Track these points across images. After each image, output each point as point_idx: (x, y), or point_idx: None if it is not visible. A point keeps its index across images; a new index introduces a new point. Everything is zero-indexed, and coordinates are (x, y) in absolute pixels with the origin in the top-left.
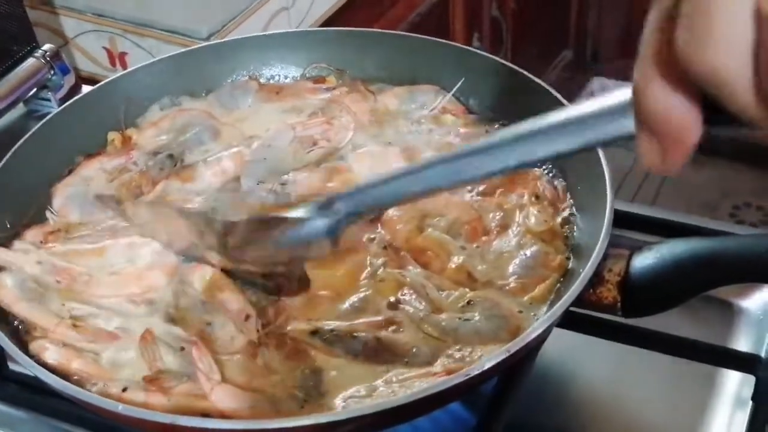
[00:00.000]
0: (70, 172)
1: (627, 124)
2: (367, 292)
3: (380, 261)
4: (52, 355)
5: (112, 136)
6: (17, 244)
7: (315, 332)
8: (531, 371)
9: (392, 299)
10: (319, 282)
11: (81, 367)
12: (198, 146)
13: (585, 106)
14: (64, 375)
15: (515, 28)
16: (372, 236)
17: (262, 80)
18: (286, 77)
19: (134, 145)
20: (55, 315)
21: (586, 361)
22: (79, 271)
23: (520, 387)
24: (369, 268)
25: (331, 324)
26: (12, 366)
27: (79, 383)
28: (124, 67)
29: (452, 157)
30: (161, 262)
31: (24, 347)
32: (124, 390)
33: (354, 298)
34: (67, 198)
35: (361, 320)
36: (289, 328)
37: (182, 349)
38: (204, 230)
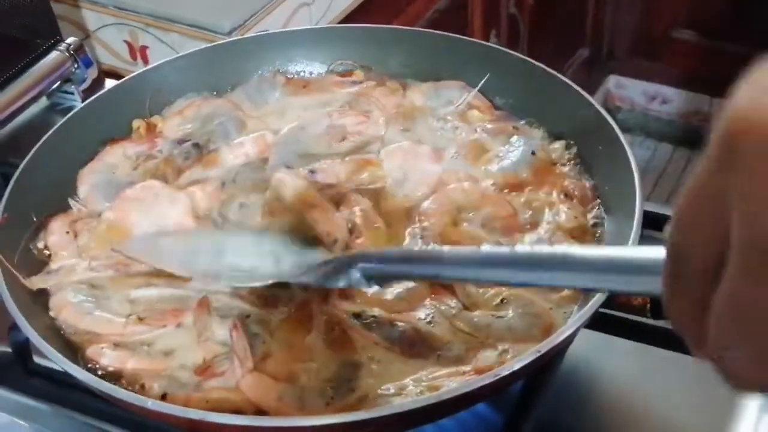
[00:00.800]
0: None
1: (654, 286)
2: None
3: None
4: (107, 359)
5: (137, 123)
6: (58, 263)
7: (358, 315)
8: (558, 372)
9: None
10: None
11: (136, 365)
12: (223, 137)
13: (618, 251)
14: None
15: (532, 26)
16: (409, 228)
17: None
18: (311, 73)
19: (159, 133)
20: (119, 316)
21: (611, 362)
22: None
23: (548, 387)
24: None
25: (375, 310)
26: (37, 359)
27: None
28: (145, 61)
29: (482, 258)
30: (183, 206)
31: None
32: (164, 396)
33: (399, 287)
34: (92, 186)
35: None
36: (335, 308)
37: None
38: None
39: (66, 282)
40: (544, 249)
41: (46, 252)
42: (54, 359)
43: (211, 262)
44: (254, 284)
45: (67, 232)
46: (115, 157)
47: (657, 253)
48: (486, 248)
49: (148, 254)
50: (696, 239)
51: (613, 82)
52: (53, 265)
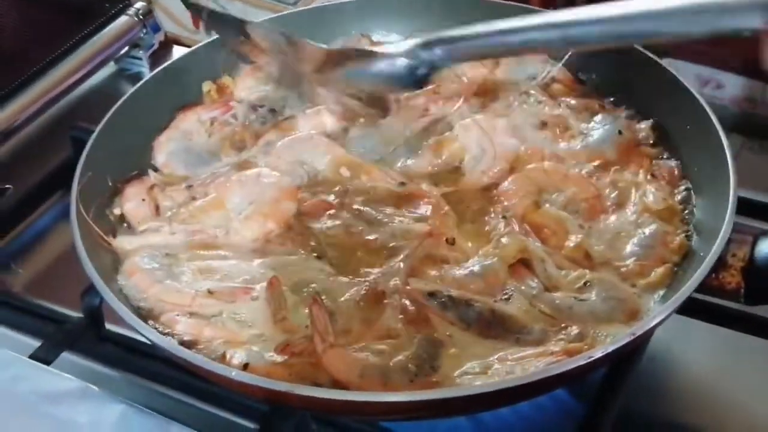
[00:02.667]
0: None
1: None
2: (493, 260)
3: (503, 228)
4: (182, 327)
5: (207, 86)
6: (144, 226)
7: (433, 294)
8: (642, 358)
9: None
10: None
11: (213, 333)
12: (298, 101)
13: None
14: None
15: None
16: (491, 207)
17: None
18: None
19: (231, 95)
20: (189, 289)
21: (695, 348)
22: (213, 226)
23: (631, 375)
24: (493, 234)
25: (450, 290)
26: (109, 326)
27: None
28: None
29: (560, 20)
30: (282, 189)
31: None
32: (246, 366)
33: (477, 265)
34: (170, 154)
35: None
36: (408, 287)
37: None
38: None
39: (146, 246)
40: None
41: (120, 218)
42: (133, 324)
43: None
44: None
45: (143, 200)
46: (190, 123)
47: None
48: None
49: None
50: None
51: (666, 64)
52: (139, 227)
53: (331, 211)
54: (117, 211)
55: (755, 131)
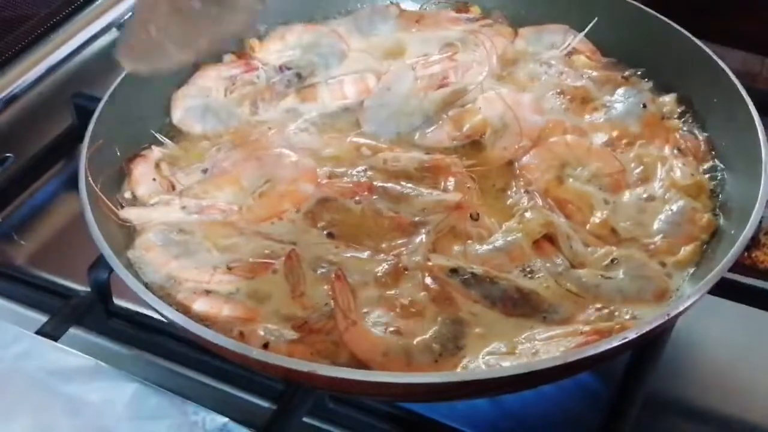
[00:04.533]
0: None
1: None
2: (517, 235)
3: (526, 203)
4: (200, 305)
5: (228, 58)
6: (155, 199)
7: (455, 271)
8: (668, 340)
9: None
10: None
11: (231, 312)
12: (324, 68)
13: None
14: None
15: None
16: (513, 182)
17: None
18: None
19: (254, 57)
20: (207, 265)
21: (725, 329)
22: (226, 202)
23: (659, 356)
24: (516, 209)
25: (473, 266)
26: (117, 301)
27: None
28: None
29: None
30: (301, 168)
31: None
32: (266, 345)
33: (500, 240)
34: (186, 110)
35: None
36: (430, 262)
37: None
38: None
39: (156, 221)
40: None
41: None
42: (148, 300)
43: None
44: None
45: (154, 179)
46: (210, 80)
47: None
48: None
49: None
50: None
51: None
52: (151, 200)
53: (362, 194)
54: (128, 195)
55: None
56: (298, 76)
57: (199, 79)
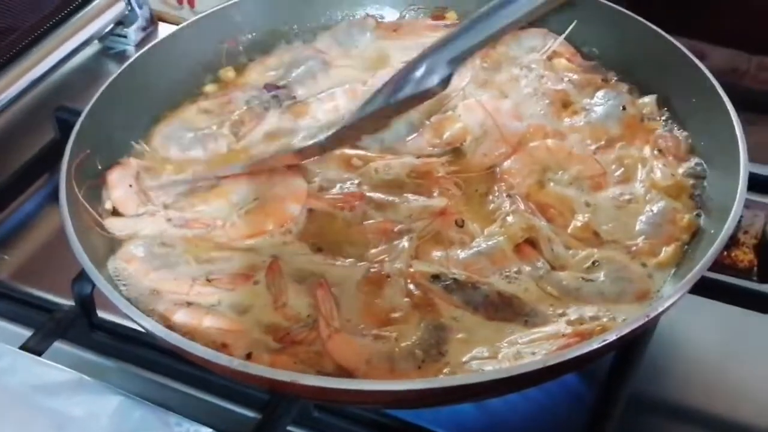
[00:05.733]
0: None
1: None
2: (498, 240)
3: (508, 207)
4: (181, 316)
5: (210, 88)
6: (142, 209)
7: (437, 277)
8: (651, 340)
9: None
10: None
11: (212, 323)
12: (312, 81)
13: None
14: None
15: None
16: (495, 186)
17: None
18: (382, 17)
19: (234, 87)
20: (187, 277)
21: (706, 328)
22: (211, 217)
23: (642, 356)
24: (498, 213)
25: (454, 272)
26: (101, 314)
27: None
28: (192, 5)
29: None
30: (292, 189)
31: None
32: (249, 356)
33: (482, 244)
34: (165, 137)
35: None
36: (412, 269)
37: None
38: None
39: (140, 232)
40: None
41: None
42: (129, 313)
43: None
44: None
45: (130, 185)
46: (190, 113)
47: None
48: None
49: None
50: None
51: None
52: (139, 210)
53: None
54: (108, 206)
55: (740, 103)
56: (275, 98)
57: (181, 113)
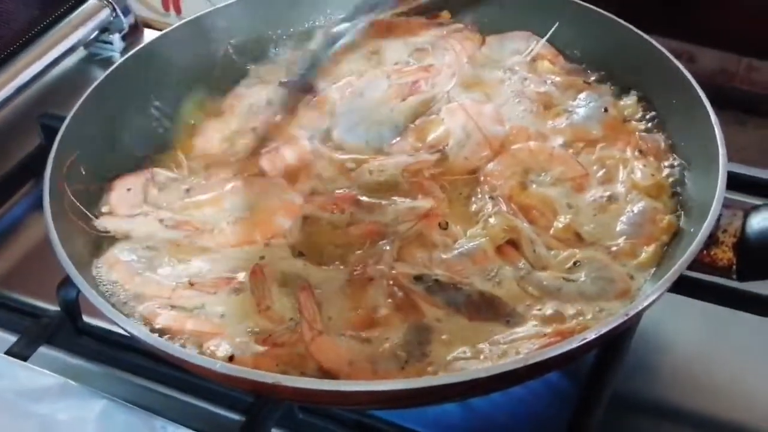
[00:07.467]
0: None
1: None
2: (480, 241)
3: (490, 208)
4: (164, 319)
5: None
6: (137, 210)
7: (419, 278)
8: (632, 338)
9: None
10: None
11: (195, 327)
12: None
13: None
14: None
15: None
16: (477, 189)
17: (335, 29)
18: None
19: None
20: (170, 280)
21: (687, 326)
22: (201, 221)
23: (623, 355)
24: (481, 215)
25: (437, 273)
26: (87, 319)
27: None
28: (178, 11)
29: None
30: (284, 201)
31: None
32: (231, 359)
33: (465, 245)
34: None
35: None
36: (394, 271)
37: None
38: None
39: (133, 232)
40: None
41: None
42: (113, 317)
43: None
44: None
45: (129, 189)
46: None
47: None
48: None
49: None
50: None
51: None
52: (134, 210)
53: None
54: (105, 209)
55: (730, 105)
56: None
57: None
